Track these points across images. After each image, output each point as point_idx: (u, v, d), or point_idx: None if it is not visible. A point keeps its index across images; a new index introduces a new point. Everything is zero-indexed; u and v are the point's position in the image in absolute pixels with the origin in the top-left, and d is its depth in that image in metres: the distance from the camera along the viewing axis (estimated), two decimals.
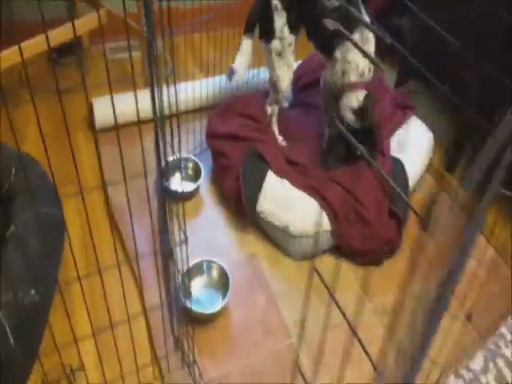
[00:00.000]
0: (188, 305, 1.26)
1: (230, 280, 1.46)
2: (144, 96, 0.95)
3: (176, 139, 0.96)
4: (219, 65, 1.81)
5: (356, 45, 1.49)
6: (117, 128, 0.87)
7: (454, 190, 1.91)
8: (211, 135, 1.78)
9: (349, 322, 0.62)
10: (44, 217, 1.32)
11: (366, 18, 1.59)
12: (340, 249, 1.62)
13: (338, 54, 1.60)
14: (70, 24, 1.76)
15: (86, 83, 0.79)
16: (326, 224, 1.58)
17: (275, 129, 1.83)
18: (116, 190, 1.69)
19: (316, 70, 1.96)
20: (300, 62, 2.08)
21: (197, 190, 1.76)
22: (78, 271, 0.92)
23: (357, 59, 1.57)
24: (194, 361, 1.28)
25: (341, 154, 1.68)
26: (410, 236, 1.67)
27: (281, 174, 1.66)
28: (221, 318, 1.45)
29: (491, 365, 1.34)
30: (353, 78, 1.59)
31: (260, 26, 1.63)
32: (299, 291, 1.52)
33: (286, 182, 1.65)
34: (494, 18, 1.62)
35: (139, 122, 0.87)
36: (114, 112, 0.79)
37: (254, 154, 1.67)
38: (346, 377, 0.64)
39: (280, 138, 1.82)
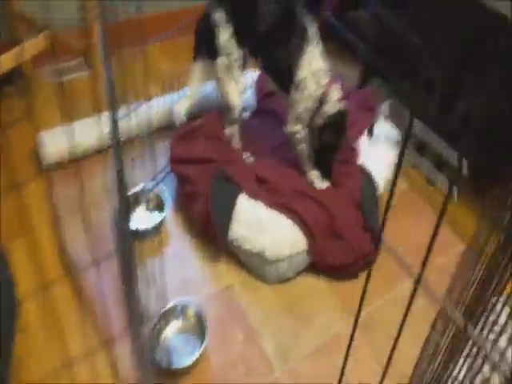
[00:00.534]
0: (164, 363, 1.08)
1: (207, 324, 1.33)
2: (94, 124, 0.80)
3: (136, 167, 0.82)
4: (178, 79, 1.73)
5: None
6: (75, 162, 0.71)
7: (420, 185, 1.89)
8: (175, 160, 1.65)
9: None
10: None
11: (309, 20, 1.51)
12: (316, 266, 1.55)
13: (303, 73, 1.48)
14: (10, 52, 1.60)
15: (32, 114, 0.64)
16: (303, 243, 1.49)
17: (238, 147, 1.73)
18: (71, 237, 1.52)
19: None
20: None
21: (161, 222, 1.60)
22: None
23: (320, 65, 1.49)
24: None
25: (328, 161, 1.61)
26: None
27: (253, 195, 1.54)
28: (199, 365, 1.32)
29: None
30: (323, 81, 1.51)
31: (206, 44, 1.55)
32: (278, 317, 1.47)
33: (258, 204, 1.53)
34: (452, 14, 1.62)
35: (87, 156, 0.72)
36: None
37: (222, 177, 1.55)
38: None
39: (246, 155, 1.71)
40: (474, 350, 0.97)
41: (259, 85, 1.94)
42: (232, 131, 1.69)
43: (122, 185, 0.82)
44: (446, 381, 1.16)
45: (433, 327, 1.09)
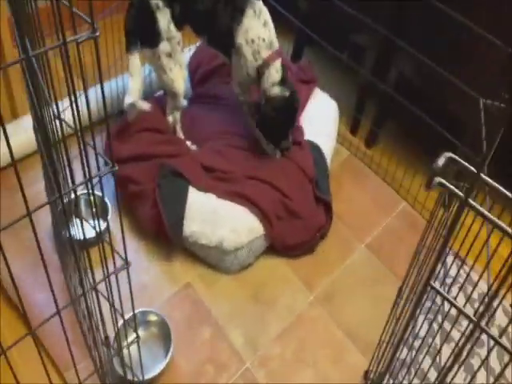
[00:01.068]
0: (129, 376, 1.02)
1: (170, 327, 1.27)
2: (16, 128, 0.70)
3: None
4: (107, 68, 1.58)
5: None
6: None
7: (360, 151, 1.92)
8: (113, 154, 1.52)
9: None
10: None
11: None
12: (274, 247, 1.54)
13: (238, 40, 1.47)
14: None
15: None
16: (260, 228, 1.47)
17: (181, 135, 1.66)
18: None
19: (212, 58, 1.82)
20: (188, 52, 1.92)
21: (106, 228, 1.49)
22: None
23: (260, 33, 1.47)
24: None
25: (275, 135, 1.60)
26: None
27: (203, 187, 1.48)
28: (167, 373, 1.26)
29: (435, 325, 1.33)
30: (264, 53, 1.49)
31: (141, 32, 1.44)
32: (242, 306, 1.45)
33: (210, 196, 1.47)
34: None
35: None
36: None
37: (168, 172, 1.47)
38: None
39: (189, 143, 1.65)
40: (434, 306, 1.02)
41: (192, 71, 1.86)
42: (175, 118, 1.62)
43: (56, 192, 0.74)
44: (407, 339, 1.22)
45: (398, 294, 1.13)
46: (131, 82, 1.47)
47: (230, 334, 1.37)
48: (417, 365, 1.14)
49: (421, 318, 1.18)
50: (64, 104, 0.61)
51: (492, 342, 0.47)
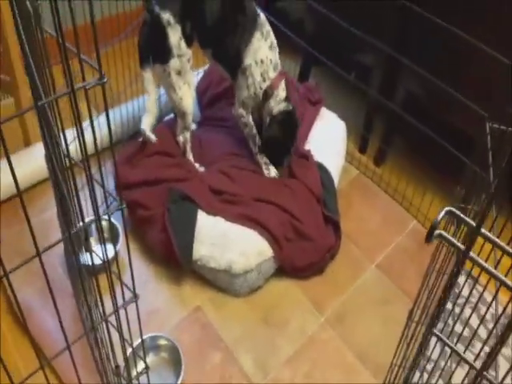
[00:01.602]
0: None
1: (180, 352, 1.27)
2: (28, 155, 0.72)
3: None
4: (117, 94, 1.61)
5: None
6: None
7: (369, 169, 1.93)
8: (122, 186, 1.54)
9: None
10: None
11: (259, 12, 1.53)
12: (283, 269, 1.54)
13: (248, 60, 1.51)
14: None
15: None
16: (269, 250, 1.47)
17: (190, 157, 1.67)
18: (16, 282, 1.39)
19: (220, 81, 1.85)
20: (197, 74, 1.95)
21: (116, 253, 1.50)
22: None
23: (268, 54, 1.52)
24: None
25: (280, 152, 1.64)
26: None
27: (212, 210, 1.49)
28: None
29: (447, 348, 1.31)
30: (271, 74, 1.54)
31: (153, 48, 1.49)
32: (252, 329, 1.45)
33: (218, 219, 1.48)
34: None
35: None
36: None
37: (177, 196, 1.48)
38: None
39: (197, 165, 1.67)
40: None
41: (200, 94, 1.89)
42: (185, 138, 1.65)
43: (67, 219, 0.75)
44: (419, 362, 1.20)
45: (409, 316, 1.12)
46: (147, 99, 1.53)
47: (240, 357, 1.36)
48: None
49: (433, 340, 1.17)
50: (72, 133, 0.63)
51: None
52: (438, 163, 1.83)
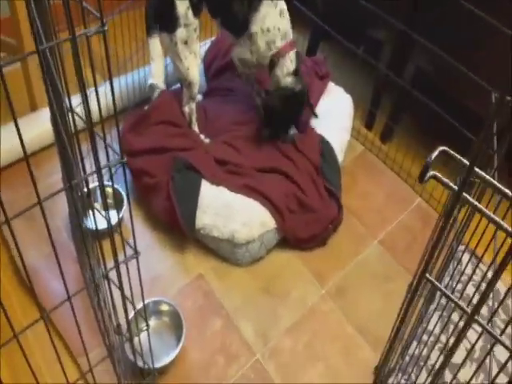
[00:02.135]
0: (140, 363, 1.04)
1: (182, 317, 1.29)
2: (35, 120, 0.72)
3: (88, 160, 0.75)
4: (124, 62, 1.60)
5: None
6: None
7: (375, 146, 1.90)
8: (127, 153, 1.55)
9: None
10: None
11: None
12: (286, 240, 1.55)
13: (254, 27, 1.49)
14: None
15: None
16: (272, 221, 1.48)
17: (196, 128, 1.67)
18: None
19: (227, 52, 1.83)
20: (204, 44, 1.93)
21: (120, 219, 1.52)
22: None
23: (276, 22, 1.48)
24: None
25: (276, 124, 1.62)
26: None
27: (216, 180, 1.49)
28: (177, 363, 1.29)
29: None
30: (279, 42, 1.51)
31: (160, 17, 1.47)
32: (254, 298, 1.46)
33: (222, 189, 1.48)
34: None
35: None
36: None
37: (182, 165, 1.48)
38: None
39: (202, 136, 1.67)
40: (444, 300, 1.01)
41: (207, 65, 1.87)
42: (191, 109, 1.64)
43: (72, 184, 0.76)
44: (421, 335, 1.21)
45: (410, 286, 1.12)
46: (153, 65, 1.51)
47: (240, 325, 1.38)
48: (427, 360, 1.14)
49: (434, 317, 1.17)
50: (79, 98, 0.63)
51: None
52: (446, 142, 1.80)
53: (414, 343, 1.19)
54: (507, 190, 0.34)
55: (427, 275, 0.41)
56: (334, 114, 1.79)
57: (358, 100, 1.91)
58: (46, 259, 1.41)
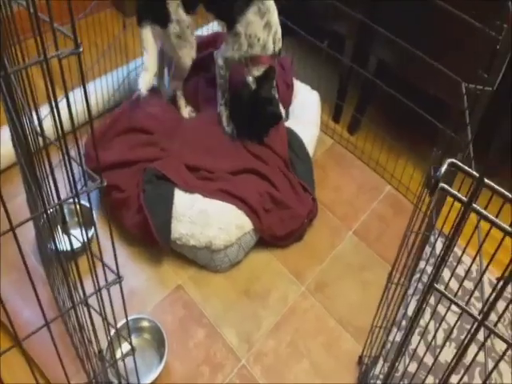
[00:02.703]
0: None
1: (163, 332, 1.28)
2: None
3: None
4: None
5: None
6: None
7: (344, 138, 1.94)
8: (93, 170, 1.47)
9: None
10: None
11: None
12: (263, 240, 1.56)
13: (239, 28, 1.51)
14: None
15: None
16: (248, 223, 1.48)
17: (182, 102, 1.72)
18: None
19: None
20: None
21: (91, 237, 1.46)
22: None
23: (257, 32, 1.50)
24: None
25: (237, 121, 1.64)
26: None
27: (189, 188, 1.47)
28: (163, 377, 1.27)
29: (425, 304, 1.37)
30: (256, 50, 1.54)
31: (151, 10, 1.48)
32: (235, 303, 1.46)
33: (196, 196, 1.47)
34: None
35: None
36: None
37: (152, 176, 1.45)
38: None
39: (188, 109, 1.73)
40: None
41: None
42: (177, 85, 1.69)
43: (41, 207, 0.72)
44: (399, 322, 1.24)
45: (389, 279, 1.15)
46: (146, 56, 1.52)
47: (223, 332, 1.38)
48: (409, 346, 1.17)
49: (412, 301, 1.21)
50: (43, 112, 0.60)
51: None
52: (410, 129, 1.86)
53: (394, 330, 1.22)
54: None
55: (435, 285, 0.42)
56: (303, 111, 1.81)
57: (325, 94, 1.94)
58: (14, 286, 1.35)
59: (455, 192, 0.38)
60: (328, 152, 1.92)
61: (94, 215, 1.48)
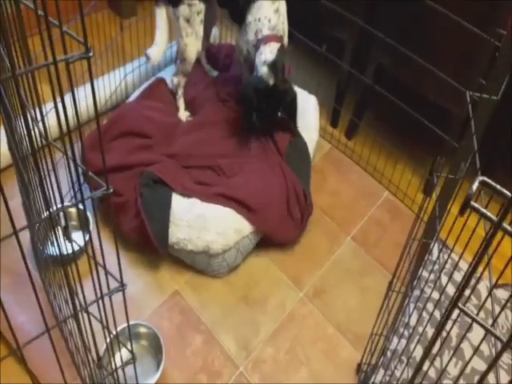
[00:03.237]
0: None
1: (161, 339, 1.26)
2: None
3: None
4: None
5: None
6: None
7: (342, 143, 1.95)
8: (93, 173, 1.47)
9: None
10: None
11: None
12: (261, 245, 1.56)
13: (249, 17, 1.57)
14: None
15: None
16: (247, 227, 1.47)
17: (181, 103, 1.75)
18: None
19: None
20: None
21: (88, 242, 1.45)
22: None
23: (268, 14, 1.56)
24: None
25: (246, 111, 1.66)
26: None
27: (186, 192, 1.47)
28: None
29: (424, 313, 1.38)
30: (265, 31, 1.57)
31: None
32: (232, 309, 1.45)
33: (194, 200, 1.46)
34: None
35: None
36: None
37: (150, 180, 1.44)
38: None
39: (187, 114, 1.75)
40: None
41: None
42: (179, 82, 1.72)
43: (45, 212, 0.71)
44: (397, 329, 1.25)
45: (389, 287, 1.15)
46: (157, 33, 1.60)
47: (221, 339, 1.38)
48: (408, 354, 1.17)
49: (410, 309, 1.21)
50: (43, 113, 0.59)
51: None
52: (408, 134, 1.87)
53: (395, 338, 1.22)
54: None
55: (460, 305, 0.42)
56: (301, 116, 1.81)
57: (323, 99, 1.94)
58: (9, 292, 1.34)
59: (484, 210, 0.38)
60: (326, 157, 1.92)
61: (91, 219, 1.46)
